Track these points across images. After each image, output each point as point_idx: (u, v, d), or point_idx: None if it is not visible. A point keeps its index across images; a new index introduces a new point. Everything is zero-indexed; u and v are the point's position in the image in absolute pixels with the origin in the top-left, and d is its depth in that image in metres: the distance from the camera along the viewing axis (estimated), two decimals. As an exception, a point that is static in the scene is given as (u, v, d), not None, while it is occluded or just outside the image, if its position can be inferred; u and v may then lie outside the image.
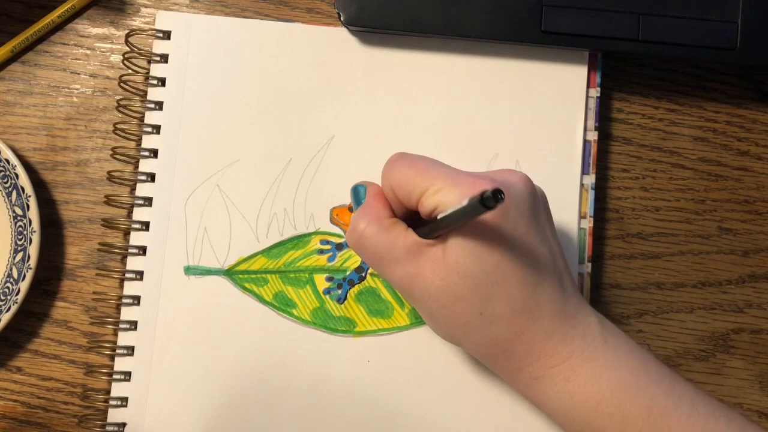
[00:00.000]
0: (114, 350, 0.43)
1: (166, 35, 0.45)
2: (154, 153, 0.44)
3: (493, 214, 0.34)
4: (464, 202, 0.32)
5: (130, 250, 0.44)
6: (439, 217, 0.35)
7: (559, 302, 0.36)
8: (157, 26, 0.45)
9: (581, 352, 0.36)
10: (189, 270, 0.44)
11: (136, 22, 0.46)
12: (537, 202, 0.37)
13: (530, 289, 0.36)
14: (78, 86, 0.46)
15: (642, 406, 0.35)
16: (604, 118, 0.47)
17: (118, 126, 0.44)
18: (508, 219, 0.35)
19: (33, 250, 0.42)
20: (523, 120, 0.45)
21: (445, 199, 0.35)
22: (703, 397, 0.37)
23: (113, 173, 0.44)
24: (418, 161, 0.37)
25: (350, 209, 0.44)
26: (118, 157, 0.44)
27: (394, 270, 0.36)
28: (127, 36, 0.45)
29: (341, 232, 0.44)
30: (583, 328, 0.37)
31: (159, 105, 0.44)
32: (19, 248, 0.43)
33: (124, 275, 0.44)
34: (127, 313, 0.43)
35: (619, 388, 0.36)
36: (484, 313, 0.35)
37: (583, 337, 0.36)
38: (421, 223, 0.37)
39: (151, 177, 0.44)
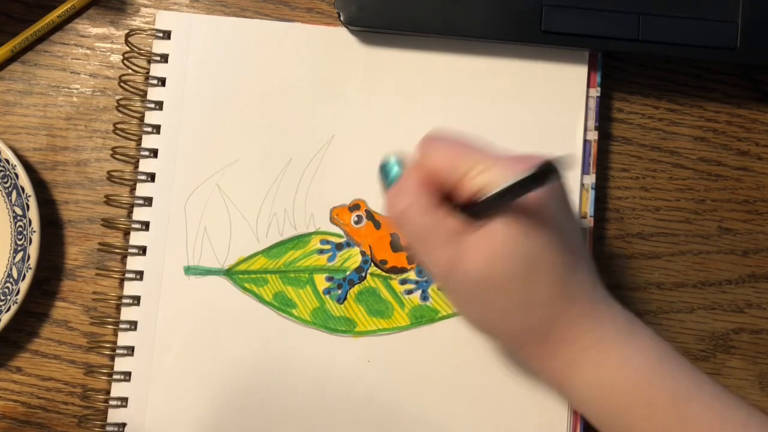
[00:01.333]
0: (114, 350, 0.43)
1: (166, 35, 0.45)
2: (154, 153, 0.44)
3: (538, 197, 0.34)
4: (513, 179, 0.31)
5: (130, 250, 0.44)
6: (487, 197, 0.33)
7: (591, 286, 0.37)
8: (157, 26, 0.45)
9: (611, 336, 0.36)
10: (189, 270, 0.44)
11: (136, 22, 0.46)
12: (566, 187, 0.37)
13: (568, 273, 0.35)
14: (78, 86, 0.46)
15: (667, 392, 0.35)
16: (604, 118, 0.46)
17: (118, 126, 0.44)
18: (551, 203, 0.35)
19: (33, 250, 0.42)
20: (523, 120, 0.45)
21: (491, 178, 0.34)
22: (721, 388, 0.37)
23: (113, 173, 0.44)
24: (456, 143, 0.36)
25: (350, 209, 0.44)
26: (118, 157, 0.44)
27: (435, 253, 0.35)
28: (127, 36, 0.45)
29: (341, 232, 0.44)
30: (611, 312, 0.37)
31: (159, 105, 0.44)
32: (19, 248, 0.43)
33: (124, 275, 0.43)
34: (127, 313, 0.43)
35: (646, 373, 0.36)
36: (523, 299, 0.35)
37: (611, 321, 0.36)
38: (459, 206, 0.36)
39: (151, 177, 0.44)
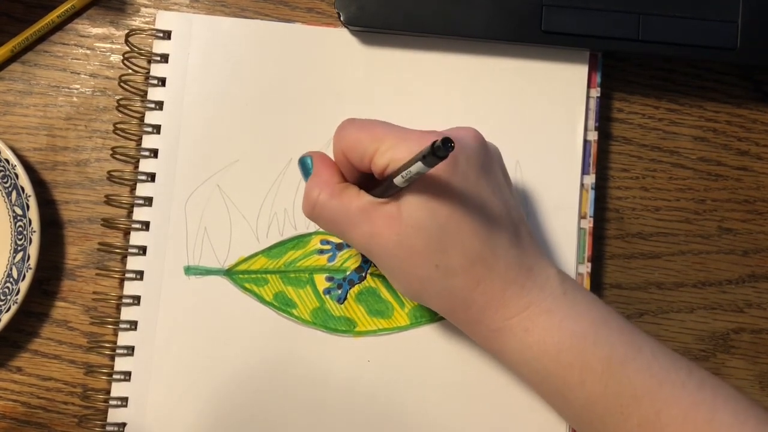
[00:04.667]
0: (114, 350, 0.43)
1: (167, 35, 0.45)
2: (154, 153, 0.44)
3: (443, 166, 0.34)
4: (415, 156, 0.32)
5: (130, 250, 0.44)
6: (389, 173, 0.35)
7: (515, 253, 0.37)
8: (157, 26, 0.45)
9: (539, 303, 0.36)
10: (189, 270, 0.44)
11: (136, 22, 0.46)
12: (489, 155, 0.37)
13: (484, 239, 0.36)
14: (78, 86, 0.46)
15: (601, 356, 0.36)
16: (604, 118, 0.47)
17: (118, 126, 0.44)
18: (458, 171, 0.35)
19: (33, 250, 0.42)
20: (523, 120, 0.45)
21: (396, 155, 0.35)
22: (664, 350, 0.37)
23: (113, 173, 0.44)
24: (366, 123, 0.37)
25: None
26: (118, 157, 0.44)
27: (352, 232, 0.37)
28: (127, 36, 0.45)
29: (341, 232, 0.44)
30: (541, 279, 0.37)
31: (159, 105, 0.44)
32: (19, 248, 0.43)
33: (124, 275, 0.44)
34: (127, 313, 0.43)
35: (578, 338, 0.36)
36: (439, 266, 0.36)
37: (541, 288, 0.37)
38: (374, 184, 0.37)
39: (151, 177, 0.44)
